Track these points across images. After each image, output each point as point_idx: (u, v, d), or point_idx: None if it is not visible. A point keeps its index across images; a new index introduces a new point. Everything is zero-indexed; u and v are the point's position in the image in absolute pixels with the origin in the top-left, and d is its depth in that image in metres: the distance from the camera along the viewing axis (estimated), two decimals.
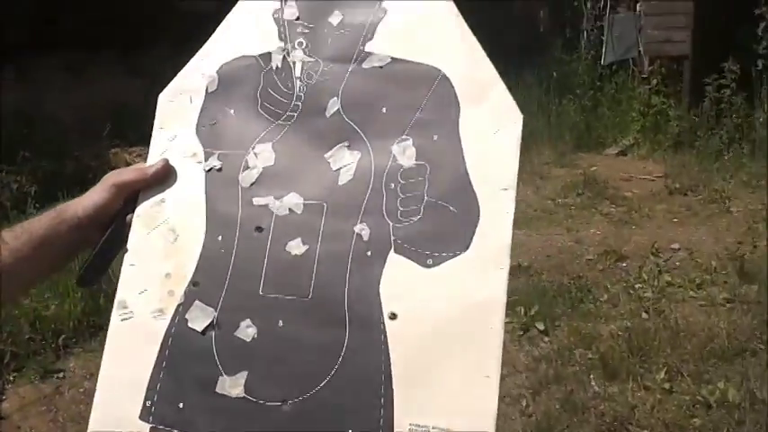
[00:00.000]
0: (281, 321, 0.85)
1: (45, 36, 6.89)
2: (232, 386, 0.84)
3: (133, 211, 0.93)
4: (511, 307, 4.04)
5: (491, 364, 0.79)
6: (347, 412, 0.80)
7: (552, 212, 5.80)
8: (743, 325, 3.83)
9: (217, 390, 0.84)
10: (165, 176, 0.93)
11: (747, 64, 7.24)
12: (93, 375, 3.13)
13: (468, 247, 0.82)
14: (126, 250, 0.92)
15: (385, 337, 0.81)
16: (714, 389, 3.25)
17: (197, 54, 0.97)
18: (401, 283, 0.82)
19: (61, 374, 3.54)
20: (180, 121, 0.95)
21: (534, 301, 4.11)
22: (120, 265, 0.93)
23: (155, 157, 0.95)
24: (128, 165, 6.43)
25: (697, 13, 7.64)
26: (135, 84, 7.55)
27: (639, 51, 8.38)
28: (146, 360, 0.87)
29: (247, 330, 0.85)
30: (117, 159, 6.34)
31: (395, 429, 0.79)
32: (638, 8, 8.51)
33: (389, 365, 0.80)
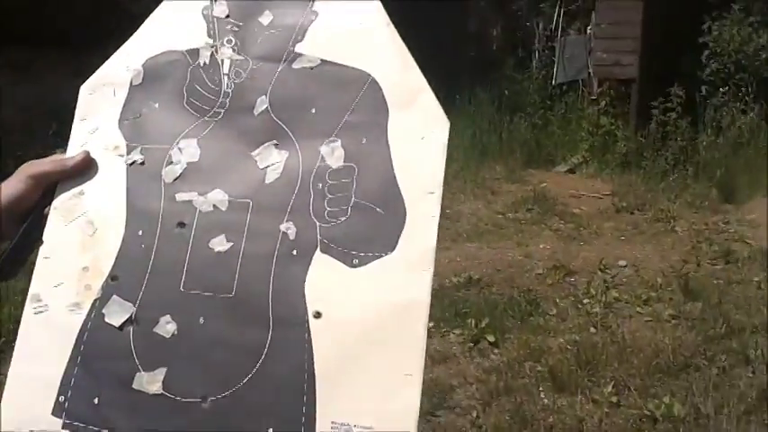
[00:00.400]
0: (202, 318, 0.83)
1: None
2: (150, 382, 0.82)
3: (49, 203, 0.90)
4: (462, 319, 4.06)
5: (414, 364, 0.80)
6: (268, 410, 0.80)
7: (503, 227, 5.85)
8: (687, 341, 3.90)
9: (134, 386, 0.82)
10: (84, 168, 0.90)
11: (692, 89, 7.48)
12: None
13: (394, 249, 0.83)
14: (42, 242, 0.89)
15: (309, 335, 0.81)
16: (660, 403, 3.29)
17: (122, 47, 0.95)
18: (326, 283, 0.83)
19: None
20: (102, 114, 0.93)
21: (485, 313, 4.12)
22: (35, 258, 0.90)
23: (74, 148, 0.92)
24: None
25: (644, 38, 7.87)
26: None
27: (589, 73, 8.57)
28: (59, 355, 0.84)
29: (167, 326, 0.84)
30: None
31: (317, 428, 0.79)
32: (588, 31, 8.70)
33: (312, 364, 0.80)
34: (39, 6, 6.93)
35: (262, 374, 0.81)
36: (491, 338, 3.92)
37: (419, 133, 0.87)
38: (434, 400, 3.30)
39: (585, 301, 4.43)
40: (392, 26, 0.91)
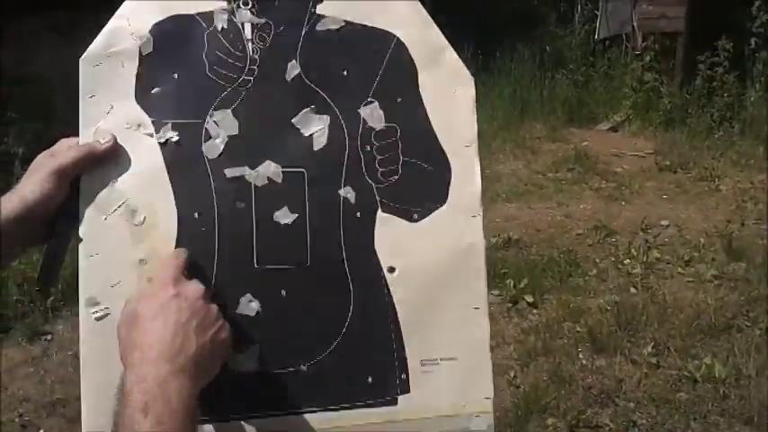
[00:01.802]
0: (283, 291, 0.86)
1: None
2: (246, 361, 0.84)
3: (77, 197, 0.83)
4: (500, 279, 4.07)
5: (479, 298, 0.90)
6: (364, 361, 0.87)
7: (543, 187, 5.81)
8: (729, 302, 3.86)
9: (230, 367, 0.82)
10: (113, 153, 0.83)
11: (740, 43, 7.24)
12: None
13: (446, 200, 0.89)
14: (80, 240, 0.82)
15: (387, 289, 0.88)
16: (700, 364, 3.28)
17: (118, 12, 0.87)
18: (393, 239, 0.88)
19: (49, 337, 3.52)
20: (114, 89, 0.85)
21: (524, 273, 4.13)
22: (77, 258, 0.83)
23: (88, 130, 0.84)
24: None
25: None
26: None
27: (633, 27, 8.35)
28: None
29: (250, 305, 0.85)
30: None
31: (409, 367, 0.88)
32: None
33: (396, 313, 0.88)
34: None
35: (352, 332, 0.87)
36: (530, 299, 3.93)
37: (449, 90, 0.91)
38: None
39: (626, 261, 4.40)
40: None
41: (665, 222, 4.97)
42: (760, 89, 7.18)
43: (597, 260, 4.45)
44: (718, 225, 4.79)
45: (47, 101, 6.08)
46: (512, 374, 3.29)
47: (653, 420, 3.00)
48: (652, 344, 3.47)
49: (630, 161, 6.41)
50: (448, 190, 0.90)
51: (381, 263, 0.88)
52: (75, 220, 0.83)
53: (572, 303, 3.88)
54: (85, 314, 0.82)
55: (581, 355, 3.45)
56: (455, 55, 0.92)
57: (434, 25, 0.92)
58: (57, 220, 0.83)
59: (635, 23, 8.30)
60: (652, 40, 7.95)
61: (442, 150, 0.90)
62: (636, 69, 7.94)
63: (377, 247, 0.88)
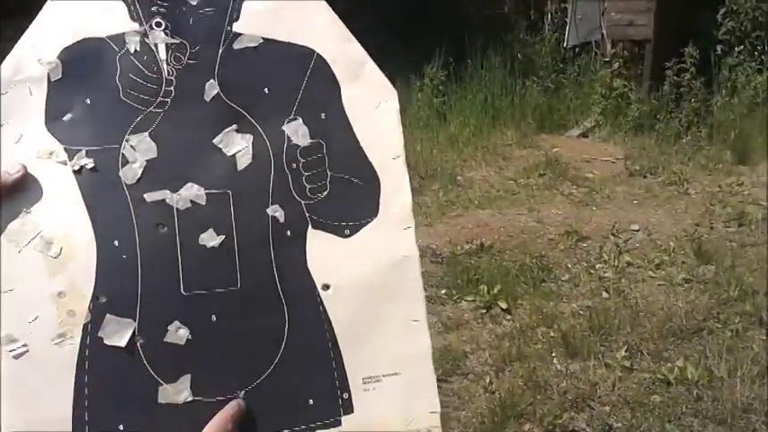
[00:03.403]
0: (213, 316, 0.81)
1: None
2: (176, 393, 0.79)
3: None
4: (474, 285, 4.07)
5: (418, 310, 0.87)
6: (303, 384, 0.83)
7: (515, 193, 5.83)
8: (700, 304, 3.90)
9: (160, 401, 0.79)
10: (23, 184, 0.79)
11: (707, 49, 7.36)
12: None
13: (377, 213, 0.87)
14: None
15: (323, 307, 0.85)
16: (673, 367, 3.31)
17: (23, 37, 0.84)
18: (326, 256, 0.85)
19: None
20: (21, 117, 0.82)
21: (497, 279, 4.13)
22: None
23: None
24: None
25: None
26: None
27: (602, 34, 8.45)
28: (61, 394, 0.78)
29: (179, 333, 0.80)
30: None
31: (350, 386, 0.85)
32: None
33: (333, 332, 0.84)
34: None
35: (288, 354, 0.83)
36: (503, 305, 3.93)
37: (371, 103, 0.89)
38: (447, 367, 3.33)
39: (598, 266, 4.43)
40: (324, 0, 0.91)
41: (635, 227, 5.02)
42: (726, 94, 7.30)
43: (569, 265, 4.47)
44: (687, 229, 4.85)
45: None
46: (487, 380, 3.28)
47: (628, 423, 3.01)
48: (625, 347, 3.49)
49: (601, 166, 6.47)
50: (378, 203, 0.87)
51: (315, 281, 0.85)
52: None
53: (545, 308, 3.89)
54: (4, 353, 0.78)
55: (555, 360, 3.45)
56: (376, 68, 0.90)
57: (354, 39, 0.90)
58: None
59: (604, 31, 8.40)
60: (621, 48, 8.06)
61: (370, 164, 0.88)
62: (605, 76, 8.03)
63: (309, 264, 0.85)
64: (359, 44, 0.90)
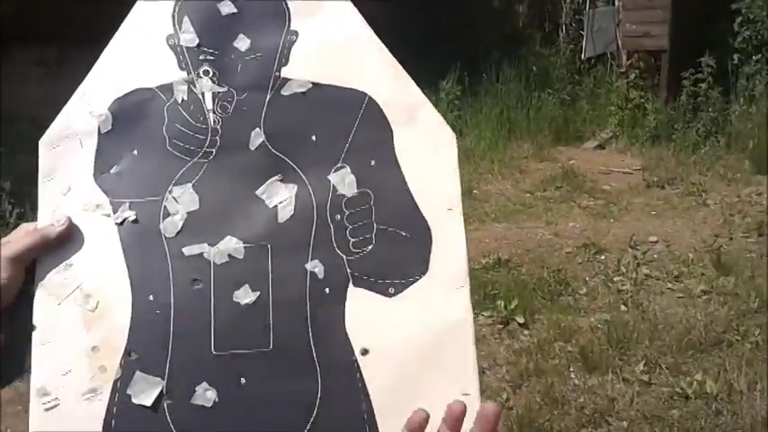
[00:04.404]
0: (243, 379, 0.78)
1: (15, 31, 6.79)
2: None
3: (32, 284, 0.79)
4: (491, 300, 4.07)
5: (470, 382, 0.78)
6: None
7: (531, 206, 5.82)
8: (719, 316, 3.87)
9: None
10: (68, 237, 0.80)
11: (724, 58, 7.32)
12: None
13: (426, 271, 0.81)
14: (34, 328, 0.78)
15: (360, 374, 0.78)
16: (692, 380, 3.28)
17: (77, 90, 0.84)
18: (367, 317, 0.79)
19: None
20: (72, 169, 0.82)
21: (514, 294, 4.13)
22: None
23: (46, 213, 0.81)
24: None
25: (675, 7, 7.70)
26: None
27: (618, 45, 8.44)
28: None
29: (206, 395, 0.78)
30: None
31: None
32: (616, 2, 8.55)
33: (369, 402, 0.78)
34: (66, 4, 7.02)
35: (319, 424, 0.77)
36: (520, 320, 3.93)
37: (427, 148, 0.84)
38: None
39: (616, 278, 4.41)
40: (377, 38, 0.87)
41: (653, 238, 4.99)
42: (744, 103, 7.25)
43: (587, 278, 4.46)
44: (706, 240, 4.81)
45: (34, 135, 6.09)
46: (504, 396, 3.28)
47: None
48: (644, 361, 3.47)
49: (618, 178, 6.45)
50: (429, 259, 0.81)
51: (353, 344, 0.79)
52: (32, 307, 0.80)
53: (563, 323, 3.88)
54: (36, 404, 0.78)
55: (573, 375, 3.44)
56: (434, 110, 0.86)
57: (410, 80, 0.86)
58: (14, 309, 0.79)
59: (619, 42, 8.39)
60: (636, 59, 8.04)
61: (422, 216, 0.82)
62: (621, 87, 8.02)
63: (348, 326, 0.79)
64: (415, 85, 0.86)
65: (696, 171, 6.40)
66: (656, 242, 4.94)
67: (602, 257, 4.75)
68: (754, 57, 7.44)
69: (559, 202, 5.89)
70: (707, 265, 4.49)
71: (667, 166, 6.51)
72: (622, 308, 4.05)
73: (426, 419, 0.74)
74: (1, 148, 5.61)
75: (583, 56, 8.86)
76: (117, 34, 0.86)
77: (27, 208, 4.70)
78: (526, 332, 3.86)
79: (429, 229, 0.81)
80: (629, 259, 4.59)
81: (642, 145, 7.27)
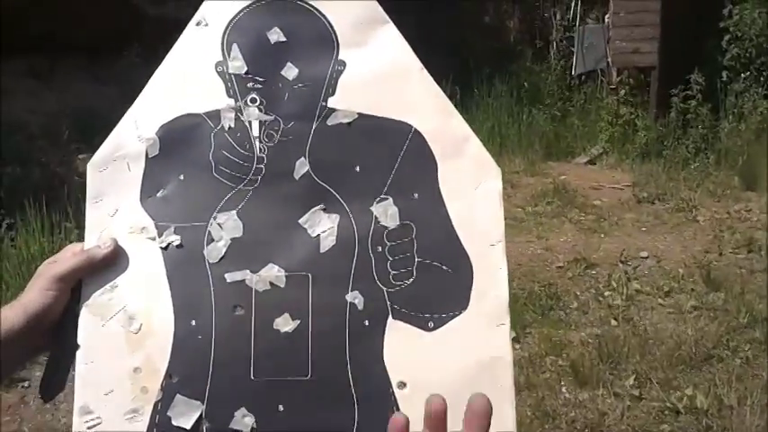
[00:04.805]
0: (281, 406, 0.79)
1: (8, 40, 6.78)
2: None
3: (78, 303, 0.81)
4: None
5: (507, 419, 0.78)
6: None
7: (523, 220, 5.84)
8: (710, 332, 3.88)
9: None
10: (114, 259, 0.82)
11: (713, 76, 7.39)
12: None
13: (467, 307, 0.80)
14: (78, 347, 0.80)
15: (397, 407, 0.79)
16: (682, 395, 3.29)
17: (126, 114, 0.86)
18: (405, 350, 0.80)
19: (26, 384, 3.47)
20: (119, 192, 0.84)
21: None
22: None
23: (93, 235, 0.83)
24: None
25: (664, 25, 7.78)
26: (101, 90, 7.46)
27: (608, 62, 8.50)
28: None
29: (244, 420, 0.78)
30: (84, 165, 6.24)
31: None
32: (606, 19, 8.63)
33: None
34: (54, 13, 7.02)
35: None
36: (512, 333, 3.92)
37: (472, 183, 0.84)
38: None
39: (607, 293, 4.42)
40: (425, 70, 0.86)
41: (644, 254, 5.01)
42: (733, 120, 7.31)
43: (578, 293, 4.47)
44: (696, 255, 4.84)
45: (25, 145, 6.07)
46: None
47: None
48: (634, 376, 3.48)
49: (609, 193, 6.48)
50: (469, 295, 0.81)
51: (390, 377, 0.79)
52: (77, 326, 0.81)
53: (554, 337, 3.89)
54: (78, 423, 0.79)
55: (564, 389, 3.44)
56: (480, 144, 0.85)
57: (456, 113, 0.86)
58: (59, 327, 0.81)
59: (609, 59, 8.46)
60: (626, 75, 8.11)
61: (464, 251, 0.82)
62: (611, 104, 8.08)
63: (386, 358, 0.79)
64: (461, 118, 0.85)
65: (686, 187, 6.44)
66: (647, 257, 4.96)
67: (593, 272, 4.77)
68: (742, 74, 7.52)
69: (551, 217, 5.91)
70: (697, 281, 4.51)
71: (657, 182, 6.55)
72: (613, 323, 4.06)
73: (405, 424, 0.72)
74: None
75: (573, 72, 8.93)
76: (167, 59, 0.87)
77: (17, 218, 4.67)
78: (517, 346, 3.86)
79: (471, 265, 0.81)
80: (620, 274, 4.60)
81: (633, 161, 7.32)
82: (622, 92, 8.01)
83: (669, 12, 7.72)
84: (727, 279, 4.47)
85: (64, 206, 4.87)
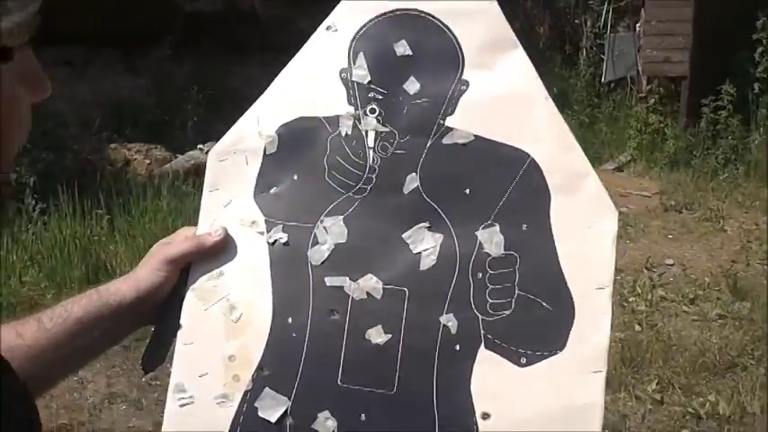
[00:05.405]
0: (363, 415, 0.79)
1: (44, 31, 6.90)
2: None
3: (185, 284, 0.85)
4: None
5: None
6: None
7: None
8: (734, 340, 3.86)
9: None
10: (222, 247, 0.85)
11: (744, 87, 7.34)
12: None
13: (563, 348, 0.78)
14: (180, 327, 0.84)
15: None
16: (704, 401, 3.28)
17: (250, 109, 0.88)
18: (493, 382, 0.78)
19: None
20: (235, 185, 0.87)
21: None
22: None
23: (206, 222, 0.86)
24: (126, 161, 6.42)
25: (695, 35, 7.73)
26: (134, 82, 7.58)
27: (638, 70, 8.47)
28: None
29: (327, 423, 0.79)
30: (115, 154, 6.34)
31: None
32: (637, 28, 8.60)
33: None
34: (91, 5, 7.12)
35: None
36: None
37: (585, 222, 0.81)
38: None
39: (631, 299, 4.40)
40: (550, 99, 0.84)
41: (669, 261, 4.99)
42: (764, 133, 7.25)
43: None
44: (723, 265, 4.81)
45: (59, 132, 6.18)
46: None
47: None
48: (656, 381, 3.47)
49: (636, 201, 6.45)
50: (568, 336, 0.78)
51: (475, 406, 0.78)
52: (182, 307, 0.85)
53: None
54: (172, 399, 0.82)
55: None
56: (598, 182, 0.82)
57: (578, 147, 0.83)
58: (166, 305, 0.85)
59: (639, 67, 8.42)
60: (656, 84, 8.06)
61: (568, 290, 0.79)
62: (640, 112, 8.03)
63: (473, 386, 0.78)
64: (582, 153, 0.83)
65: (714, 197, 6.40)
66: (673, 265, 4.94)
67: (618, 278, 4.74)
68: None
69: None
70: (723, 290, 4.49)
71: (685, 191, 6.51)
72: (636, 327, 4.05)
73: None
74: (27, 144, 5.69)
75: (603, 79, 8.89)
76: (294, 59, 0.88)
77: (51, 203, 4.76)
78: None
79: (573, 306, 0.79)
80: (645, 280, 4.59)
81: (661, 169, 7.28)
82: (652, 100, 7.97)
83: (701, 22, 7.66)
84: (754, 289, 4.44)
85: (96, 192, 4.96)
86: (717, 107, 7.33)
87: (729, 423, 3.14)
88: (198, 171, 5.34)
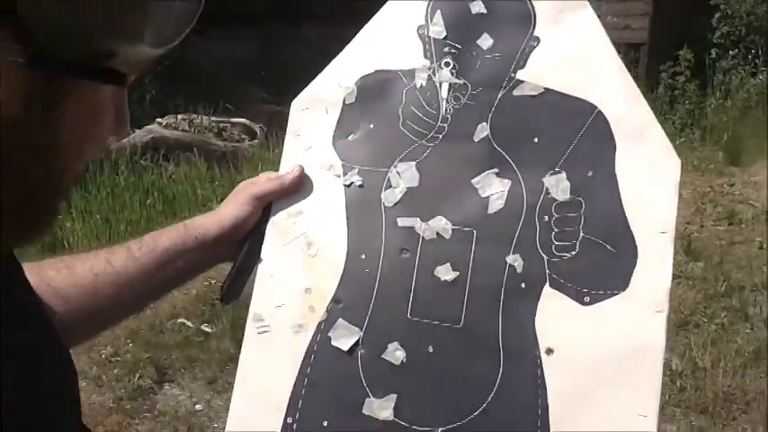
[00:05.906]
0: (430, 347, 0.83)
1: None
2: (380, 408, 0.82)
3: (266, 221, 0.90)
4: None
5: (649, 405, 0.79)
6: None
7: None
8: (688, 299, 3.95)
9: (364, 411, 0.82)
10: (299, 185, 0.90)
11: (701, 53, 7.43)
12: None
13: (626, 287, 0.81)
14: (260, 260, 0.89)
15: (542, 371, 0.81)
16: None
17: (332, 62, 0.93)
18: (557, 319, 0.82)
19: None
20: (315, 131, 0.92)
21: None
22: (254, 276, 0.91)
23: (288, 164, 0.92)
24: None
25: (656, 1, 7.79)
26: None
27: None
28: (286, 376, 0.85)
29: (396, 353, 0.83)
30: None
31: None
32: None
33: (546, 399, 0.80)
34: None
35: (494, 407, 0.80)
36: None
37: (649, 169, 0.84)
38: None
39: None
40: (618, 58, 0.88)
41: None
42: (720, 97, 7.35)
43: None
44: (677, 227, 4.79)
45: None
46: None
47: None
48: None
49: None
50: (630, 277, 0.81)
51: (539, 341, 0.82)
52: (263, 242, 0.90)
53: None
54: (250, 327, 0.87)
55: None
56: (662, 134, 0.86)
57: (643, 100, 0.87)
58: (248, 240, 0.90)
59: None
60: (616, 50, 8.11)
61: (631, 233, 0.82)
62: None
63: (537, 323, 0.82)
64: (647, 105, 0.86)
65: None
66: None
67: None
68: (730, 52, 7.56)
69: None
70: (678, 251, 4.54)
71: None
72: None
73: None
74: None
75: None
76: (374, 17, 0.93)
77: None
78: None
79: (636, 249, 0.82)
80: None
81: None
82: None
83: None
84: (707, 249, 4.54)
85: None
86: (674, 73, 7.42)
87: (682, 378, 3.23)
88: (156, 145, 5.26)
